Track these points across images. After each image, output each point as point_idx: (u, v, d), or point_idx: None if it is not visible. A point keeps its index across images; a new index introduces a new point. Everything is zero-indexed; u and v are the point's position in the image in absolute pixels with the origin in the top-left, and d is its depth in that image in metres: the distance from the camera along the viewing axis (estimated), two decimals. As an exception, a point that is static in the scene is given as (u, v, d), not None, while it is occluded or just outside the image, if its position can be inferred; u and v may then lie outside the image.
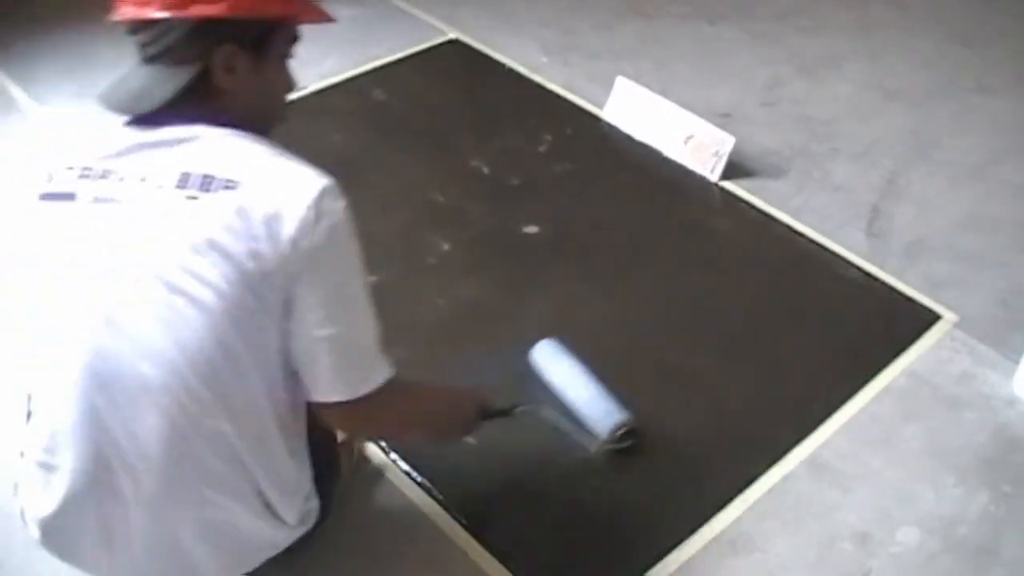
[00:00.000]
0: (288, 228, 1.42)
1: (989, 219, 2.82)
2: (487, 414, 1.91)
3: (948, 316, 2.46)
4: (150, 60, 1.51)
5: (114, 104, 1.52)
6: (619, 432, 2.09)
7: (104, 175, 1.48)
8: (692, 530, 1.97)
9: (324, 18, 1.63)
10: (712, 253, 2.66)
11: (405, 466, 2.06)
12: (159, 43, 1.49)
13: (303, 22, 1.61)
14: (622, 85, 3.06)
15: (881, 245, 2.69)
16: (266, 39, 1.55)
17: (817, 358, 2.37)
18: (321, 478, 1.72)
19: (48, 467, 1.51)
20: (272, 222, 1.42)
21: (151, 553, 1.56)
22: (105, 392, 1.45)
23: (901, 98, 3.31)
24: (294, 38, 1.61)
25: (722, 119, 3.03)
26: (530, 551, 1.94)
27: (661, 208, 2.82)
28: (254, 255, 1.42)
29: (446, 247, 2.60)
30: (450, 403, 1.88)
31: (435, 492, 2.02)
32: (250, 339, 1.47)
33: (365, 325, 1.57)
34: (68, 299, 1.47)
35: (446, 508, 1.99)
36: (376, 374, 1.58)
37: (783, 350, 2.38)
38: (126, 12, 1.49)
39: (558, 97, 3.16)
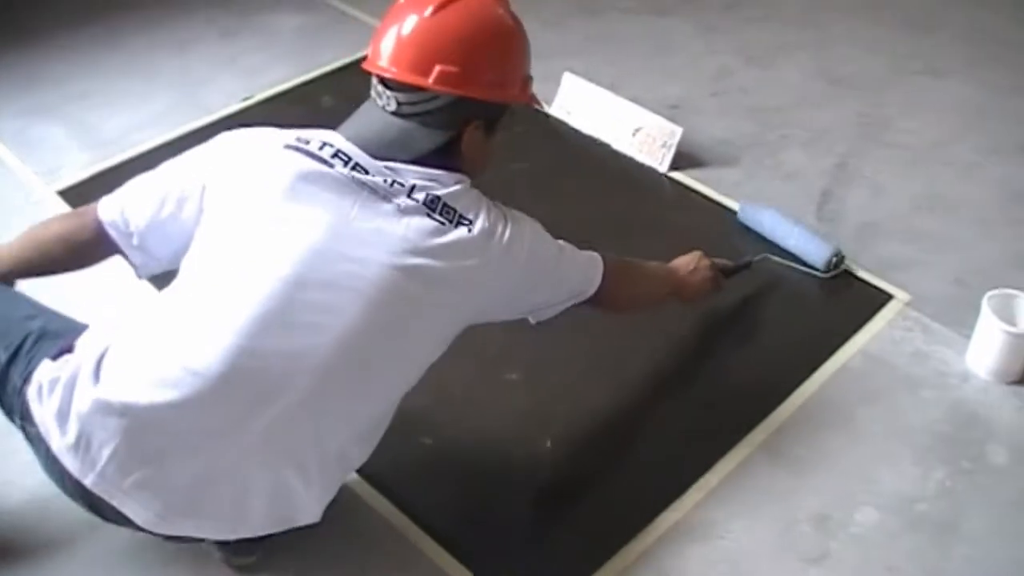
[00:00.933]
0: (512, 256, 1.74)
1: (941, 200, 2.83)
2: (730, 271, 2.37)
3: (901, 296, 2.47)
4: (402, 115, 1.71)
5: (370, 149, 1.70)
6: (835, 260, 2.50)
7: (356, 168, 1.67)
8: (651, 519, 1.96)
9: (537, 103, 1.97)
10: (664, 244, 2.61)
11: (364, 473, 2.03)
12: (419, 106, 1.70)
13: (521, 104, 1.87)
14: (569, 81, 3.06)
15: (833, 229, 2.69)
16: (499, 117, 1.81)
17: (772, 344, 2.37)
18: None
19: (183, 368, 1.57)
20: (499, 255, 1.72)
21: (211, 486, 1.62)
22: (282, 325, 1.59)
23: (851, 84, 3.32)
24: (511, 113, 1.85)
25: (671, 111, 3.03)
26: (490, 549, 1.93)
27: (612, 202, 2.82)
28: (478, 281, 1.71)
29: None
30: (684, 266, 2.25)
31: (394, 495, 2.01)
32: (430, 342, 1.75)
33: (571, 262, 1.92)
34: (289, 238, 1.63)
35: (405, 511, 1.98)
36: (594, 276, 1.94)
37: (737, 337, 2.38)
38: (397, 74, 1.69)
39: (507, 96, 3.14)
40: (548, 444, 2.09)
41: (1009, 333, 2.20)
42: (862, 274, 2.54)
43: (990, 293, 2.25)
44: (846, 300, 2.48)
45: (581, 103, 3.04)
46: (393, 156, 1.70)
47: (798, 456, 2.10)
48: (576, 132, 3.04)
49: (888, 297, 2.47)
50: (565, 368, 2.27)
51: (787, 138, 3.06)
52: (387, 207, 1.65)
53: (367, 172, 1.67)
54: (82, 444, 1.57)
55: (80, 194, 2.68)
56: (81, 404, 1.57)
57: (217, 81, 3.28)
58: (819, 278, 2.51)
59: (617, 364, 2.28)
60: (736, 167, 2.93)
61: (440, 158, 1.72)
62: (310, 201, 1.64)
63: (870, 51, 3.49)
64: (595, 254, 1.97)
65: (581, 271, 1.94)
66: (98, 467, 1.57)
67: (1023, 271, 2.54)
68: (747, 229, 2.68)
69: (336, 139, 1.72)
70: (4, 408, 1.69)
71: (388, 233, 1.64)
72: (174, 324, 1.62)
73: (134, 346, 1.61)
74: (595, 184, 2.88)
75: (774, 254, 2.56)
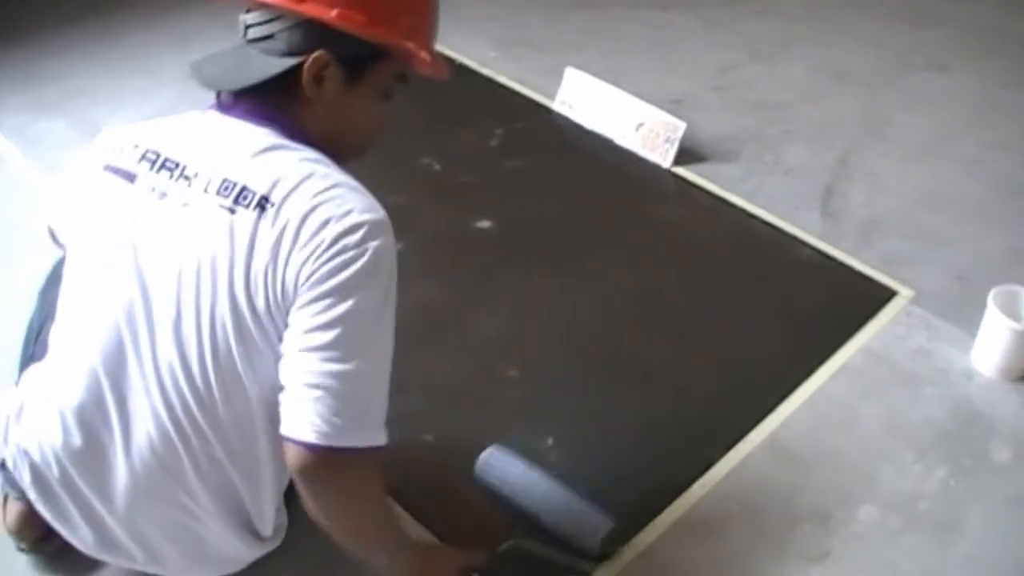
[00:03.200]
0: (312, 253, 1.41)
1: (943, 195, 2.82)
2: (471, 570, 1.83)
3: (904, 292, 2.46)
4: (251, 41, 1.53)
5: (202, 76, 1.54)
6: (607, 542, 1.87)
7: (164, 165, 1.49)
8: (652, 517, 1.96)
9: (433, 70, 1.60)
10: (667, 240, 2.65)
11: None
12: (264, 28, 1.51)
13: (412, 64, 1.60)
14: (571, 75, 3.05)
15: (836, 225, 2.69)
16: (366, 63, 1.53)
17: (774, 340, 2.36)
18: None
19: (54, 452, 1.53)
20: (298, 245, 1.41)
21: (114, 536, 1.57)
22: (113, 375, 1.48)
23: (853, 79, 3.32)
24: (401, 77, 1.60)
25: (674, 105, 3.02)
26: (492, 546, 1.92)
27: (614, 197, 2.81)
28: (272, 276, 1.42)
29: (399, 246, 2.55)
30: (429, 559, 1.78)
31: (396, 493, 1.96)
32: (254, 356, 1.47)
33: (375, 374, 1.48)
34: (100, 280, 1.50)
35: (407, 508, 1.95)
36: (367, 432, 1.47)
37: (740, 333, 2.37)
38: None
39: (508, 91, 3.15)
40: (549, 441, 2.08)
41: (1015, 330, 2.19)
42: (865, 270, 2.53)
43: (995, 289, 2.24)
44: (849, 296, 2.47)
45: (583, 98, 3.03)
46: (225, 88, 1.53)
47: (800, 454, 2.09)
48: (578, 127, 3.03)
49: (892, 293, 2.46)
50: (564, 365, 2.26)
51: (790, 133, 3.05)
52: (180, 216, 1.46)
53: (175, 168, 1.49)
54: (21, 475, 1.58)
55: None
56: (13, 438, 1.57)
57: (219, 76, 3.27)
58: (585, 564, 1.88)
59: (616, 360, 2.27)
60: (738, 163, 2.92)
61: (279, 104, 1.51)
62: (120, 234, 1.50)
63: (872, 45, 3.49)
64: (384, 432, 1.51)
65: (374, 403, 1.49)
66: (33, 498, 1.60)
67: (1025, 267, 2.54)
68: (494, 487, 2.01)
69: (155, 127, 1.57)
70: None
71: (178, 252, 1.46)
72: (44, 391, 1.57)
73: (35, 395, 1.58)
74: (597, 179, 2.87)
75: (532, 527, 1.93)
